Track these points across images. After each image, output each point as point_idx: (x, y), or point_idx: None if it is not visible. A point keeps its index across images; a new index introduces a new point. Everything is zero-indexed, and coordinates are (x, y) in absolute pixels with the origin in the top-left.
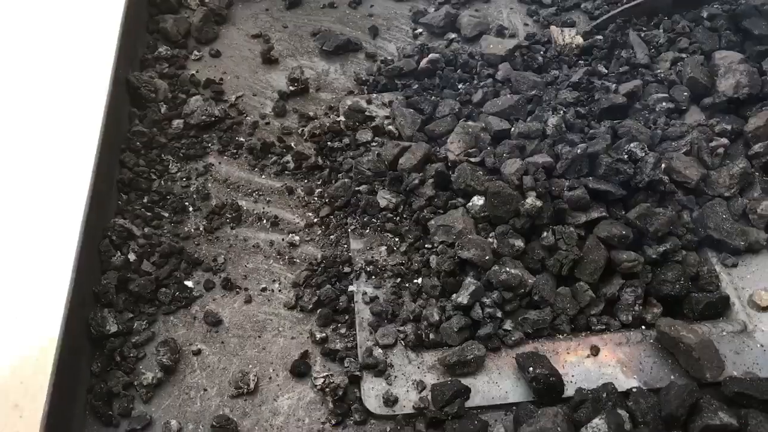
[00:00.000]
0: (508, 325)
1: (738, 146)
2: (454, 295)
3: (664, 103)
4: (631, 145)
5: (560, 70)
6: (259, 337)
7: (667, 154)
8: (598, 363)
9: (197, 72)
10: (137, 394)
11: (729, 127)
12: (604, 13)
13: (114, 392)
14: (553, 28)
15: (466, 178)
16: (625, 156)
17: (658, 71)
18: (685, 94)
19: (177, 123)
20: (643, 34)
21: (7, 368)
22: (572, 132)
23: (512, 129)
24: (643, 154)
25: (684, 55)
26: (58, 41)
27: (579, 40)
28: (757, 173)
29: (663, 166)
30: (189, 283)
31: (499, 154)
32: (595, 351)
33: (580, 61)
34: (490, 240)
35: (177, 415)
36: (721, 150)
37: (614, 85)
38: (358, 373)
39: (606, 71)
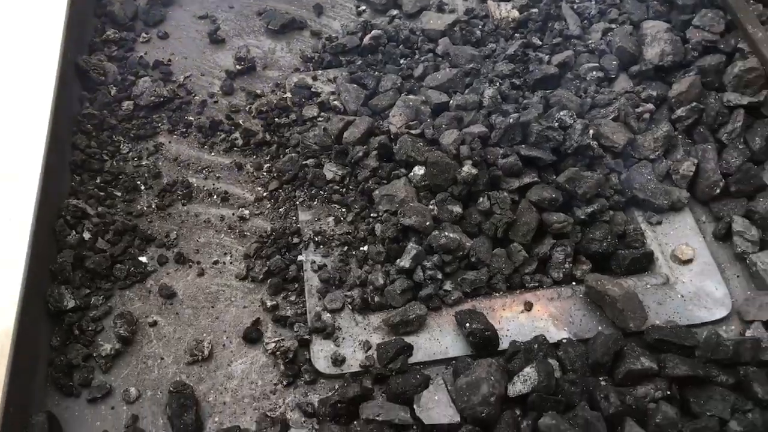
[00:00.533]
0: (448, 285)
1: (663, 111)
2: (398, 260)
3: (594, 72)
4: (561, 113)
5: (497, 44)
6: (212, 307)
7: (596, 120)
8: (532, 317)
9: (146, 54)
10: (96, 365)
11: (654, 93)
12: None
13: (74, 364)
14: (489, 2)
15: (407, 150)
16: (556, 124)
17: (590, 42)
18: (614, 62)
19: (127, 104)
20: (575, 6)
21: None
22: (507, 103)
23: (451, 101)
24: (572, 122)
25: (614, 26)
26: (3, 27)
27: (515, 13)
28: (680, 136)
29: (591, 132)
30: (143, 259)
31: (438, 125)
32: (528, 306)
33: (516, 35)
34: (431, 207)
35: (135, 383)
36: (647, 115)
37: (547, 56)
38: (307, 336)
39: (540, 43)
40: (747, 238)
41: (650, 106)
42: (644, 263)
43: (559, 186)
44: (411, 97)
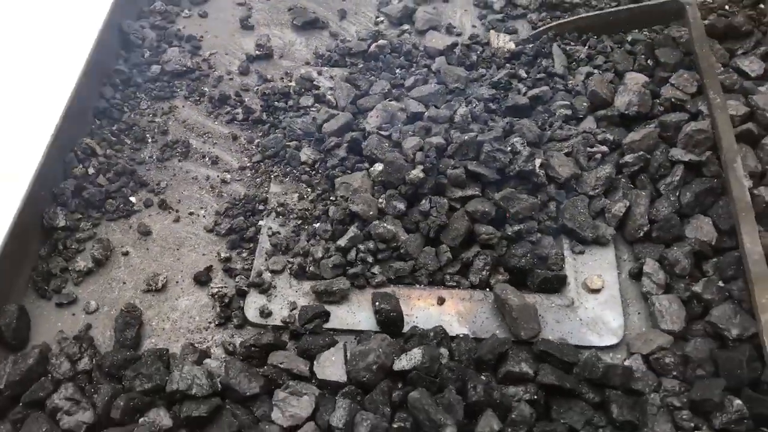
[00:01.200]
0: (376, 269)
1: (614, 155)
2: (339, 240)
3: (563, 110)
4: (515, 139)
5: (488, 70)
6: (177, 249)
7: (549, 152)
8: (441, 311)
9: (183, 28)
10: (70, 278)
11: (611, 138)
12: (545, 24)
13: (52, 273)
14: (492, 32)
15: (372, 147)
16: (508, 148)
17: (570, 82)
18: (585, 104)
19: (155, 68)
20: (568, 48)
21: None
22: (476, 123)
23: (425, 113)
24: (522, 149)
25: (597, 72)
26: None
27: (511, 45)
28: (623, 180)
29: (538, 161)
30: (133, 199)
31: (405, 131)
32: (441, 301)
33: (507, 64)
34: (379, 200)
35: (97, 299)
36: (598, 156)
37: (526, 88)
38: (245, 288)
39: (526, 76)
40: (654, 280)
41: (604, 148)
42: (555, 285)
43: (495, 203)
44: (392, 103)
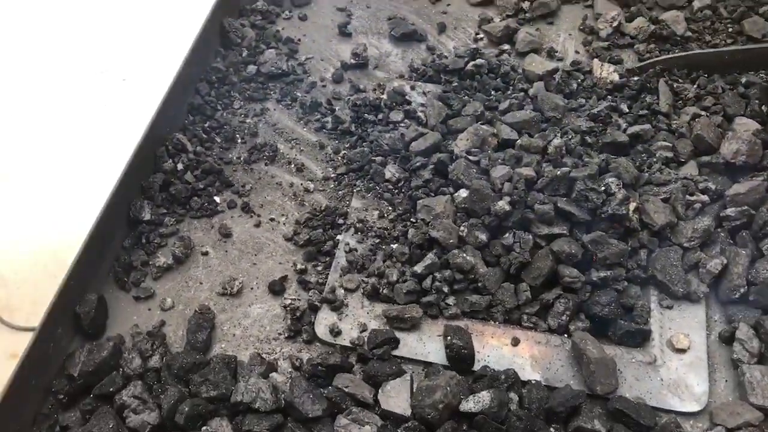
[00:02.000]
0: (450, 300)
1: (714, 206)
2: (417, 265)
3: (663, 152)
4: (611, 179)
5: (588, 100)
6: (255, 255)
7: (645, 196)
8: (514, 352)
9: (282, 29)
10: (150, 272)
11: (713, 187)
12: (653, 56)
13: (133, 265)
14: (595, 60)
15: (459, 172)
16: (602, 188)
17: (674, 122)
18: (688, 147)
19: (251, 68)
20: (675, 85)
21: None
22: (570, 156)
23: (518, 140)
24: (617, 190)
25: (704, 114)
26: None
27: (615, 76)
28: (722, 234)
29: (633, 205)
30: (217, 199)
31: (494, 158)
32: (515, 342)
33: (609, 96)
34: (461, 228)
35: (174, 296)
36: (697, 205)
37: (626, 124)
38: (318, 303)
39: (627, 111)
40: (746, 347)
41: (704, 197)
42: (638, 339)
43: (583, 244)
44: (484, 126)
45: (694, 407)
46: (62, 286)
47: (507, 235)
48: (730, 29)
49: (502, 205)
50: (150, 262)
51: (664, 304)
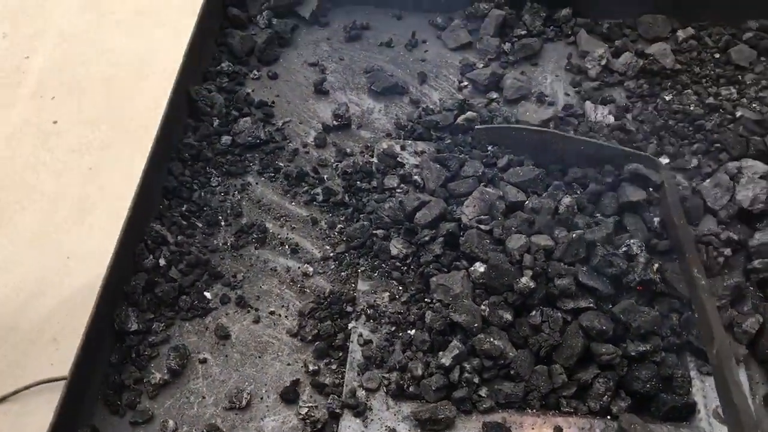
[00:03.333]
0: (483, 392)
1: (739, 258)
2: (441, 353)
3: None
4: (632, 241)
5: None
6: (260, 357)
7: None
8: None
9: (253, 91)
10: (145, 390)
11: (736, 237)
12: (645, 93)
13: (125, 385)
14: (587, 103)
15: (472, 244)
16: (623, 250)
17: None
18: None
19: (225, 139)
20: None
21: None
22: (582, 214)
23: (526, 202)
24: (639, 251)
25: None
26: (130, 48)
27: (610, 119)
28: (751, 288)
29: (655, 266)
30: (208, 295)
31: (507, 226)
32: (557, 431)
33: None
34: (483, 307)
35: (175, 416)
36: (720, 259)
37: None
38: (338, 410)
39: None
40: None
41: (727, 251)
42: (684, 413)
43: (613, 316)
44: (489, 189)
45: None
46: (51, 426)
47: (534, 313)
48: (717, 57)
49: (526, 282)
50: (144, 379)
51: (703, 371)
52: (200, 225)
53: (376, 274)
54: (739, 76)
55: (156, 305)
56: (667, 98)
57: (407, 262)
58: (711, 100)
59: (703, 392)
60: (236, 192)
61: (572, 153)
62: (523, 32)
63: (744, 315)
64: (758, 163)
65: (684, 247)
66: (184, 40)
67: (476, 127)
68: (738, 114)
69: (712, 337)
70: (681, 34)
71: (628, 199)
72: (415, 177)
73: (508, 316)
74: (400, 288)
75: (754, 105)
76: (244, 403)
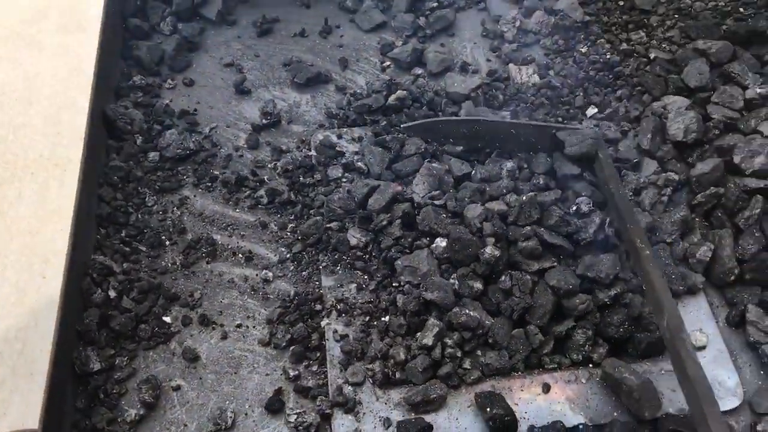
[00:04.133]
0: (467, 363)
1: (682, 193)
2: (419, 335)
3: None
4: (579, 199)
5: (519, 107)
6: (235, 373)
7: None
8: (549, 400)
9: (171, 101)
10: (121, 431)
11: (676, 178)
12: (562, 48)
13: (98, 428)
14: (511, 66)
15: (430, 221)
16: (573, 209)
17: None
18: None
19: (153, 155)
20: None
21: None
22: (523, 180)
23: (473, 172)
24: (587, 209)
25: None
26: (37, 75)
27: (536, 78)
28: (697, 219)
29: (610, 229)
30: (167, 319)
31: (460, 198)
32: (546, 388)
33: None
34: (452, 281)
35: None
36: (664, 198)
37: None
38: (329, 411)
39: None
40: (760, 328)
41: (668, 190)
42: (660, 347)
43: (580, 275)
44: (434, 165)
45: (735, 402)
46: None
47: (503, 278)
48: (622, 5)
49: (491, 251)
50: (118, 419)
51: None
52: (144, 249)
53: (338, 268)
54: (645, 20)
55: (115, 339)
56: (583, 50)
57: (368, 249)
58: (624, 46)
59: None
60: (175, 208)
61: (504, 137)
62: (435, 4)
63: (695, 245)
64: (679, 98)
65: (625, 218)
66: (66, 60)
67: (403, 125)
68: (652, 56)
69: (661, 308)
70: None
71: (563, 173)
72: (359, 164)
73: (478, 285)
74: (366, 277)
75: (664, 45)
76: (229, 422)
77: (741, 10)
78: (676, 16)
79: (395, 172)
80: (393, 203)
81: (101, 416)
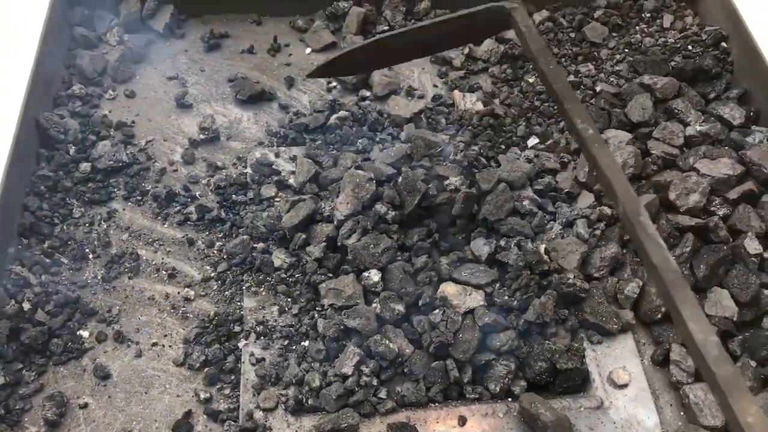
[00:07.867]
0: (382, 393)
1: (615, 228)
2: (337, 362)
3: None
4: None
5: (459, 131)
6: (146, 393)
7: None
8: None
9: (110, 112)
10: None
11: (609, 212)
12: (509, 77)
13: None
14: (456, 92)
15: (363, 261)
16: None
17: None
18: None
19: (84, 166)
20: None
21: None
22: None
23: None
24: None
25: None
26: None
27: (479, 105)
28: (628, 255)
29: (542, 247)
30: (85, 334)
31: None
32: (462, 421)
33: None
34: (374, 305)
35: None
36: (597, 231)
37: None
38: None
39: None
40: (683, 368)
41: (602, 225)
42: (580, 384)
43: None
44: (359, 172)
45: None
46: None
47: (436, 311)
48: (573, 37)
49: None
50: None
51: (593, 339)
52: (66, 261)
53: (262, 289)
54: (596, 53)
55: (24, 353)
56: (530, 80)
57: (292, 272)
58: (572, 78)
59: (596, 360)
60: (102, 221)
61: (406, 47)
62: (385, 27)
63: (624, 281)
64: (621, 132)
65: (561, 98)
66: (4, 66)
67: (306, 74)
68: (598, 89)
69: (614, 192)
70: (537, 16)
71: None
72: (291, 182)
73: (400, 308)
74: (289, 300)
75: (611, 79)
76: None
77: (689, 47)
78: (626, 50)
79: (319, 183)
80: (309, 222)
81: None
